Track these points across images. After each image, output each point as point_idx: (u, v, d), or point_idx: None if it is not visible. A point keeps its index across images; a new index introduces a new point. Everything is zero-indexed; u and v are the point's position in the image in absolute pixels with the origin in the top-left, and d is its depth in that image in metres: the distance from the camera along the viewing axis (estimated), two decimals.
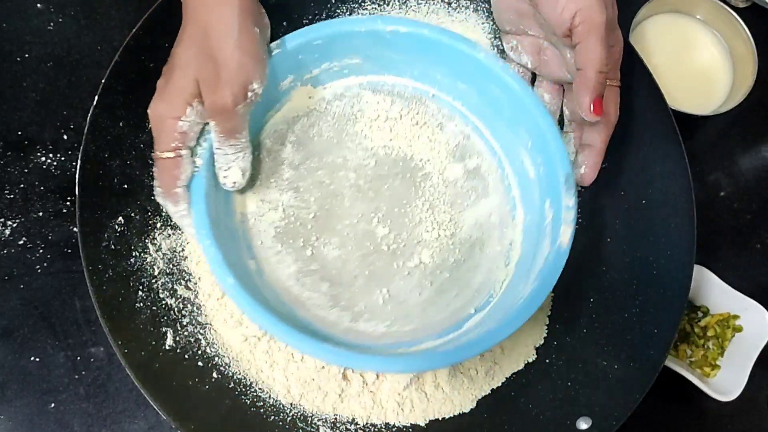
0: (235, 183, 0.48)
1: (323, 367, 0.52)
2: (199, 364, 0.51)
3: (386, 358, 0.47)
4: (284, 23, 0.59)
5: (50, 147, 0.60)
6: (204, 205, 0.47)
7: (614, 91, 0.52)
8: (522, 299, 0.48)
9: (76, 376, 0.56)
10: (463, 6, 0.62)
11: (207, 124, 0.47)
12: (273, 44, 0.50)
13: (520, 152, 0.55)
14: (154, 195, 0.48)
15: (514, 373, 0.56)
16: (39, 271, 0.58)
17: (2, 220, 0.58)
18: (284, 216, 0.53)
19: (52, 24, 0.63)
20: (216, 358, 0.52)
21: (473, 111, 0.57)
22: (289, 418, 0.51)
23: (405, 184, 0.55)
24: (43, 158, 0.60)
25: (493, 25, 0.61)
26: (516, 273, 0.54)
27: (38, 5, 0.63)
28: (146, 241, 0.52)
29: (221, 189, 0.50)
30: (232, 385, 0.51)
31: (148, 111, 0.45)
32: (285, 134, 0.55)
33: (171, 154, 0.45)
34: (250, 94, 0.46)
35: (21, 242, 0.58)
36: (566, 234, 0.49)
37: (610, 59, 0.51)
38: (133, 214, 0.52)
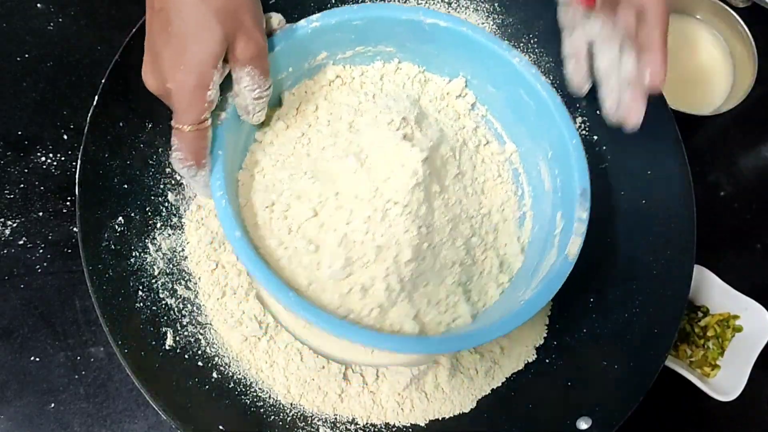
0: (262, 115, 0.47)
1: (323, 367, 0.52)
2: (199, 364, 0.51)
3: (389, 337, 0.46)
4: None
5: (50, 147, 0.60)
6: (222, 163, 0.46)
7: None
8: (522, 302, 0.48)
9: (76, 376, 0.56)
10: (463, 6, 0.62)
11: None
12: (313, 17, 0.50)
13: (538, 162, 0.56)
14: (170, 166, 0.46)
15: (514, 373, 0.56)
16: (39, 271, 0.58)
17: (2, 220, 0.58)
18: (290, 176, 0.51)
19: (52, 24, 0.63)
20: (216, 358, 0.52)
21: (497, 117, 0.58)
22: (289, 418, 0.51)
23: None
24: (43, 158, 0.60)
25: (492, 24, 0.61)
26: (515, 282, 0.54)
27: (38, 5, 0.63)
28: (146, 241, 0.52)
29: (241, 137, 0.49)
30: (232, 385, 0.51)
31: (172, 84, 0.42)
32: (316, 98, 0.54)
33: (196, 126, 0.43)
34: (279, 22, 0.44)
35: (21, 242, 0.58)
36: (575, 245, 0.50)
37: None
38: (133, 214, 0.52)
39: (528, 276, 0.53)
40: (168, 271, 0.52)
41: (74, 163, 0.57)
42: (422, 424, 0.53)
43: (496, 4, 0.62)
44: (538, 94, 0.53)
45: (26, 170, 0.59)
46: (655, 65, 0.50)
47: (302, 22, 0.49)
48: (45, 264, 0.58)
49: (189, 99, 0.42)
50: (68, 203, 0.59)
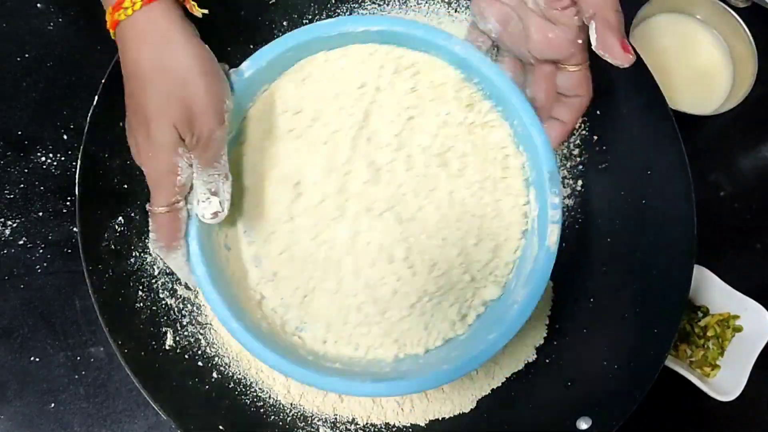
0: (216, 214, 0.44)
1: None
2: (199, 364, 0.51)
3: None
4: (284, 23, 0.59)
5: (50, 147, 0.60)
6: (198, 241, 0.46)
7: (586, 69, 0.50)
8: (516, 304, 0.48)
9: (76, 376, 0.56)
10: (463, 6, 0.62)
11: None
12: (243, 65, 0.48)
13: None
14: (149, 249, 0.47)
15: (514, 373, 0.56)
16: (39, 271, 0.58)
17: (2, 220, 0.58)
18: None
19: (52, 24, 0.63)
20: (216, 358, 0.52)
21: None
22: (289, 418, 0.51)
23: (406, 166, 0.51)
24: (43, 158, 0.60)
25: None
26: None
27: (38, 5, 0.63)
28: (146, 241, 0.52)
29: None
30: (232, 385, 0.51)
31: (145, 168, 0.43)
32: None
33: (168, 208, 0.44)
34: (225, 114, 0.44)
35: (21, 242, 0.58)
36: (554, 234, 0.49)
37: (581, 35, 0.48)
38: (133, 214, 0.52)
39: (514, 270, 0.52)
40: (168, 271, 0.52)
41: (74, 163, 0.57)
42: (422, 424, 0.53)
43: None
44: (488, 78, 0.51)
45: (26, 170, 0.59)
46: (554, 141, 0.51)
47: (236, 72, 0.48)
48: (45, 264, 0.58)
49: (159, 182, 0.43)
50: (68, 203, 0.59)
